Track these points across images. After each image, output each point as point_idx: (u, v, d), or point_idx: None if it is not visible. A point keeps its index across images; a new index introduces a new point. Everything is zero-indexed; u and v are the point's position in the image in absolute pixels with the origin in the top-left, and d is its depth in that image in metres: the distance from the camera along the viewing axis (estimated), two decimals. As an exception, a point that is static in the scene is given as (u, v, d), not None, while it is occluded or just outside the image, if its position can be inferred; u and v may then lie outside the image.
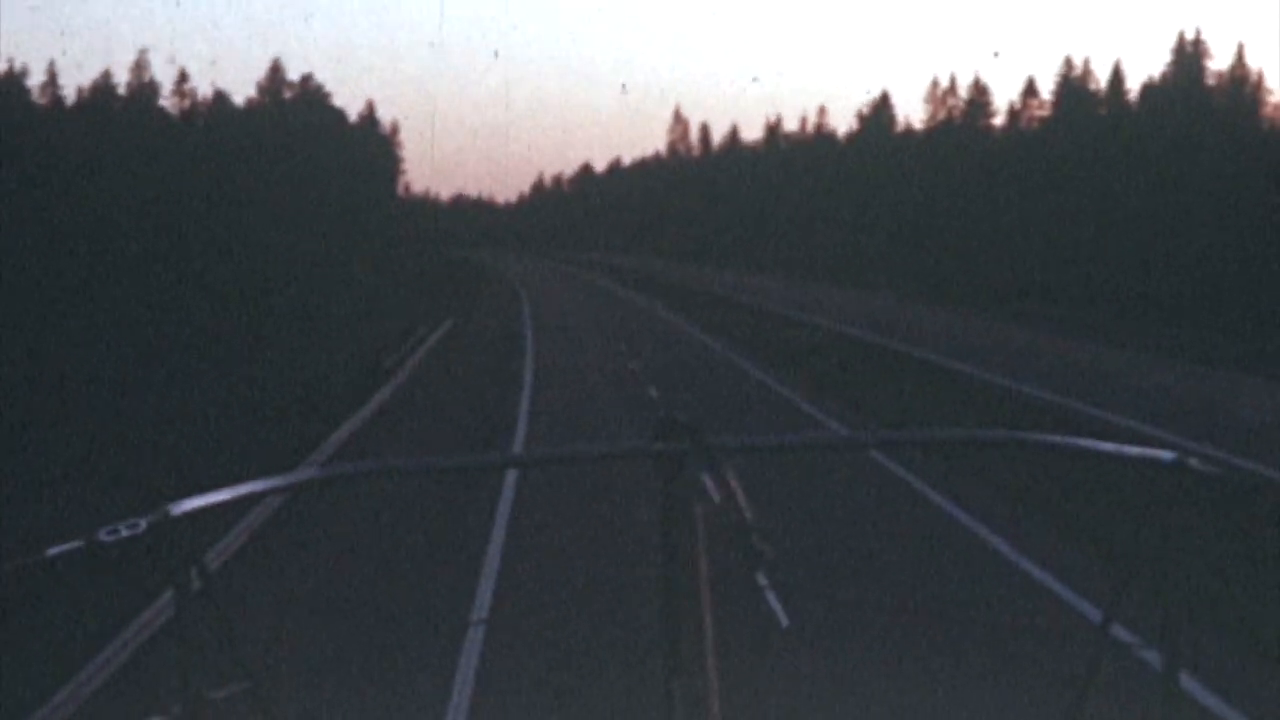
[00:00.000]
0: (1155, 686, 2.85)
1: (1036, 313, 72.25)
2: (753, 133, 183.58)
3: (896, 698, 12.94)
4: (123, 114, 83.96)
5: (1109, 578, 15.64)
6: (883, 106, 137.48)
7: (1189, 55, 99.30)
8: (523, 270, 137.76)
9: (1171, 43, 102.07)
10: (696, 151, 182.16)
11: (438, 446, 31.67)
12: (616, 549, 18.78)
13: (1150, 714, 2.87)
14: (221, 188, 73.28)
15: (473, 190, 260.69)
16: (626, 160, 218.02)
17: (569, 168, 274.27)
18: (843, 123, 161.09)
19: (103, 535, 2.47)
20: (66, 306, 50.20)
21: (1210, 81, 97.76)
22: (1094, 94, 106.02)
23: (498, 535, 20.40)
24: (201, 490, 2.64)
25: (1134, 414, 33.94)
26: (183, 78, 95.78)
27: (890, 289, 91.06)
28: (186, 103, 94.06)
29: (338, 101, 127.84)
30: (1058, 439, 2.94)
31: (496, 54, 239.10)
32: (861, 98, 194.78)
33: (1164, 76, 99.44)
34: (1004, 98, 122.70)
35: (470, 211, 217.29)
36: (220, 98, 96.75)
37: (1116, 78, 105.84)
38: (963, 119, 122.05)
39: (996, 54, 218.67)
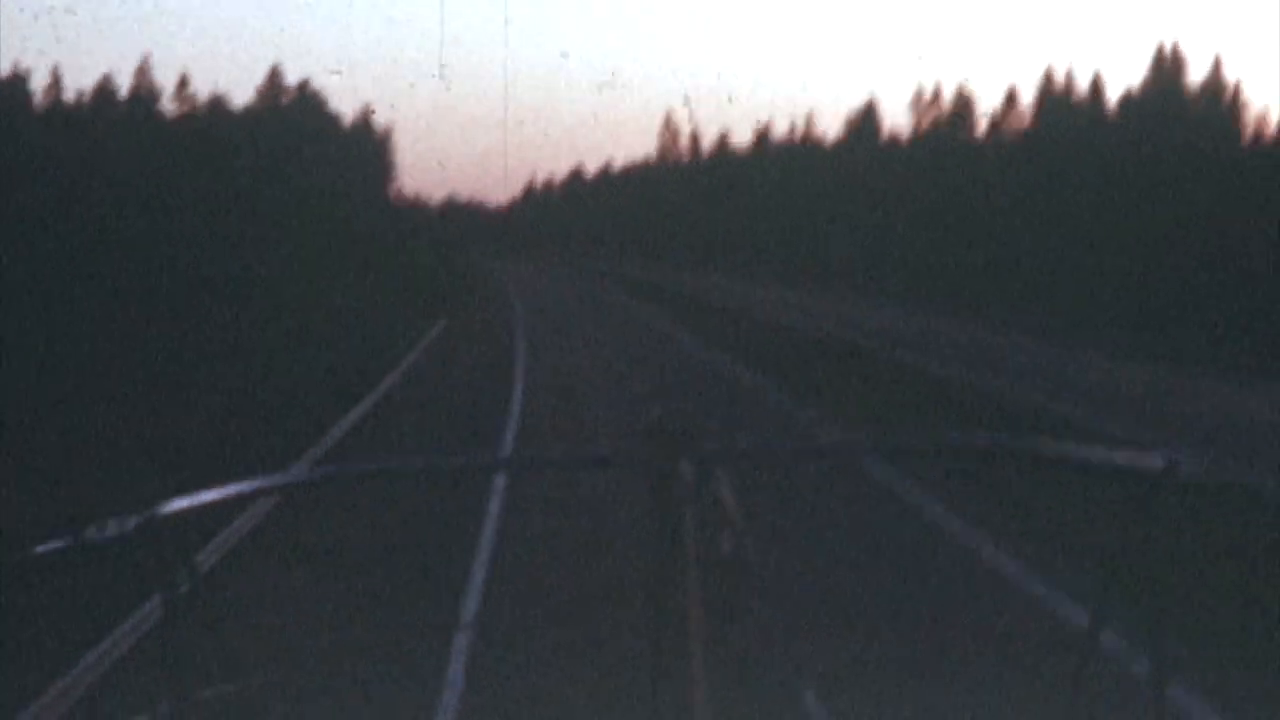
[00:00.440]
0: (1143, 695, 2.84)
1: (1013, 316, 72.32)
2: (742, 138, 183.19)
3: (874, 707, 12.85)
4: (122, 117, 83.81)
5: (1095, 584, 15.49)
6: (869, 114, 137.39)
7: (1167, 66, 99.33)
8: (516, 272, 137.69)
9: (1150, 54, 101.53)
10: (686, 156, 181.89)
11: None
12: (606, 552, 18.64)
13: None
14: (213, 189, 73.13)
15: (464, 193, 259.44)
16: (617, 164, 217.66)
17: (560, 171, 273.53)
18: (831, 129, 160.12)
19: (90, 533, 2.45)
20: (59, 306, 50.00)
21: (1189, 92, 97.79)
22: (1074, 104, 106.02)
23: (486, 535, 20.26)
24: (192, 489, 2.63)
25: (1092, 409, 34.30)
26: (183, 83, 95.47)
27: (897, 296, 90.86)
28: (185, 107, 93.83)
29: (335, 105, 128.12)
30: (1047, 446, 2.92)
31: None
32: (848, 105, 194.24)
33: (1143, 87, 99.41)
34: (987, 107, 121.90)
35: (462, 214, 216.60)
36: (217, 102, 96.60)
37: (1096, 88, 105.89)
38: (946, 128, 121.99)
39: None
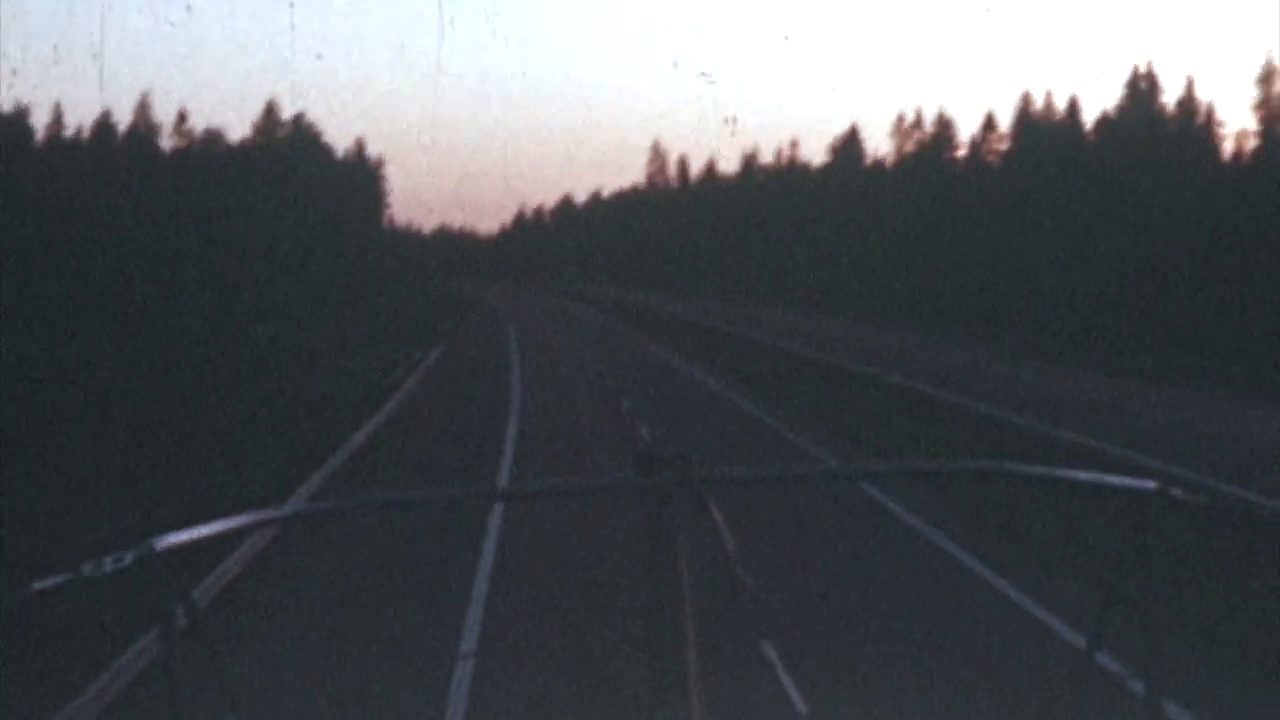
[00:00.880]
0: (1139, 714, 2.83)
1: (990, 334, 72.58)
2: (730, 165, 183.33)
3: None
4: (121, 151, 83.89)
5: (1093, 606, 15.39)
6: (852, 140, 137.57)
7: (1142, 88, 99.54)
8: (507, 301, 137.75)
9: (1125, 77, 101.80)
10: (674, 183, 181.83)
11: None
12: (603, 578, 18.57)
13: None
14: (210, 222, 73.19)
15: (455, 221, 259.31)
16: (606, 192, 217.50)
17: (549, 200, 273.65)
18: (816, 155, 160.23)
19: (87, 569, 2.43)
20: (58, 334, 50.06)
21: (1163, 113, 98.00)
22: (1051, 126, 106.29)
23: (485, 565, 20.20)
24: (188, 524, 2.61)
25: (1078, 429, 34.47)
26: (182, 118, 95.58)
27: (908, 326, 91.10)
28: (184, 141, 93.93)
29: (328, 136, 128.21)
30: (1043, 469, 2.91)
31: (562, 78, 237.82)
32: (832, 131, 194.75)
33: (1119, 109, 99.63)
34: (967, 131, 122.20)
35: (453, 243, 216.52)
36: (213, 136, 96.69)
37: (1073, 110, 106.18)
38: (927, 152, 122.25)
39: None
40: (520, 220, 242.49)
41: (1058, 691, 12.30)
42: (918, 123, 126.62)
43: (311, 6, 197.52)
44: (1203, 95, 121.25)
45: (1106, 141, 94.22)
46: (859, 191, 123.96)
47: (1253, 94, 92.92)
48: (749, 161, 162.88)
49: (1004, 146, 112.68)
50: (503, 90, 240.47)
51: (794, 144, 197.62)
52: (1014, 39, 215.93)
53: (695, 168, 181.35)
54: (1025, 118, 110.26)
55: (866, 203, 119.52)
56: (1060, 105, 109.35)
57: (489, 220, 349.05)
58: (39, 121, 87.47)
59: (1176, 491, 2.72)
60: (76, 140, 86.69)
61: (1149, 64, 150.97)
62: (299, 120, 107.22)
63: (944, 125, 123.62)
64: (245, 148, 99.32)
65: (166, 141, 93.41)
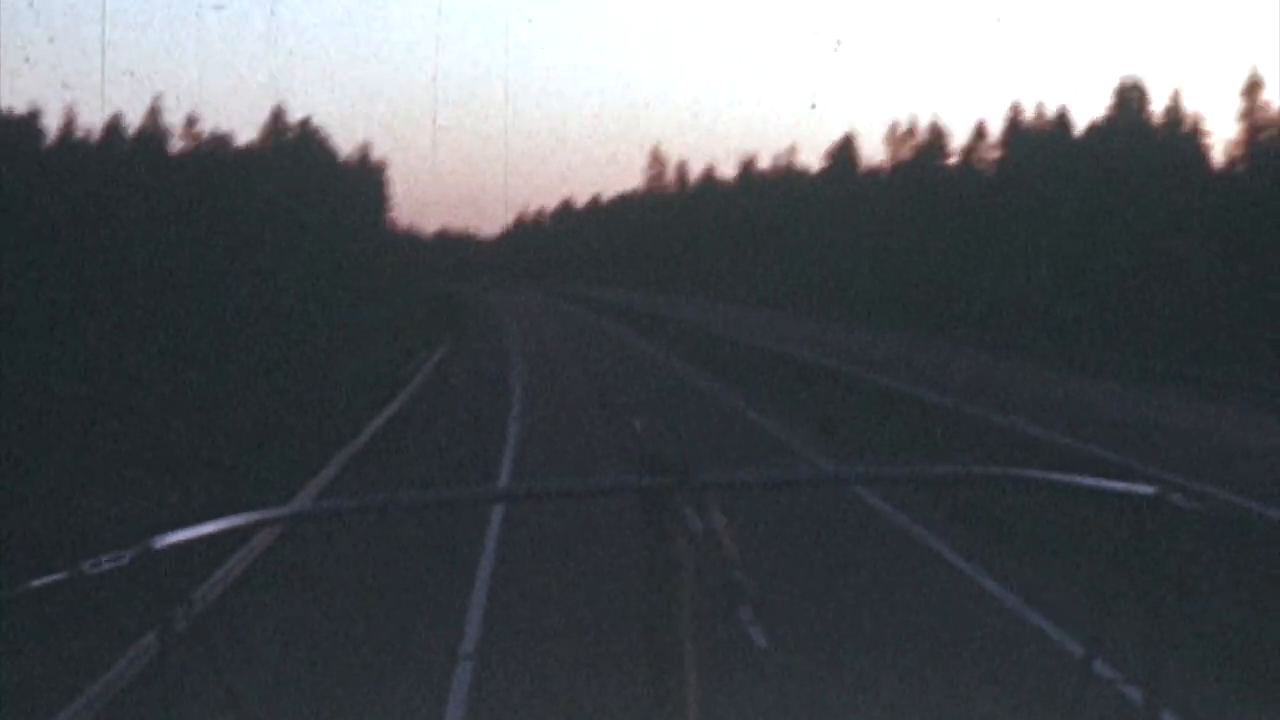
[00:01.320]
0: None
1: (980, 336, 72.71)
2: (728, 170, 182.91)
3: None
4: (131, 153, 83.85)
5: (1091, 613, 15.27)
6: (847, 147, 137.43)
7: (1130, 99, 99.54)
8: (510, 303, 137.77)
9: (1113, 87, 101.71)
10: (673, 188, 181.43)
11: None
12: (603, 580, 18.43)
13: None
14: (216, 223, 73.14)
15: (456, 224, 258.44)
16: (606, 196, 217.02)
17: (550, 203, 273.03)
18: (813, 161, 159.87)
19: (86, 567, 2.40)
20: (67, 330, 49.96)
21: (1151, 123, 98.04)
22: (1041, 134, 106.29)
23: (486, 561, 20.10)
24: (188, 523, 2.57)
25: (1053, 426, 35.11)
26: (190, 122, 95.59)
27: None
28: (193, 144, 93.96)
29: (334, 139, 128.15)
30: (1041, 474, 2.89)
31: (561, 91, 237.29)
32: (828, 137, 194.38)
33: (1108, 119, 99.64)
34: (960, 139, 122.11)
35: (454, 245, 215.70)
36: (219, 140, 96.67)
37: (1062, 120, 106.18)
38: (921, 159, 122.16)
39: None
40: (521, 223, 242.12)
41: (1054, 698, 12.23)
42: (911, 131, 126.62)
43: (313, 12, 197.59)
44: (1189, 106, 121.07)
45: (1095, 150, 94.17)
46: (854, 198, 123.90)
47: (1238, 104, 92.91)
48: (747, 167, 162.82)
49: (995, 155, 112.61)
50: (503, 94, 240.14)
51: (791, 150, 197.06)
52: (1006, 50, 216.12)
53: (694, 172, 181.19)
54: (1016, 127, 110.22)
55: (861, 209, 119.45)
56: (1050, 115, 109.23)
57: (490, 223, 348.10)
58: (50, 124, 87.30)
59: (1176, 497, 2.70)
60: (86, 142, 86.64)
61: (1136, 75, 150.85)
62: (305, 125, 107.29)
63: (937, 134, 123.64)
64: (253, 151, 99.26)
65: (175, 144, 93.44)
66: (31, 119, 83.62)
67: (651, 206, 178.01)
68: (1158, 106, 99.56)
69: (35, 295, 51.89)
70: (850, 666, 14.71)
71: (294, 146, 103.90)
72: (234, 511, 2.73)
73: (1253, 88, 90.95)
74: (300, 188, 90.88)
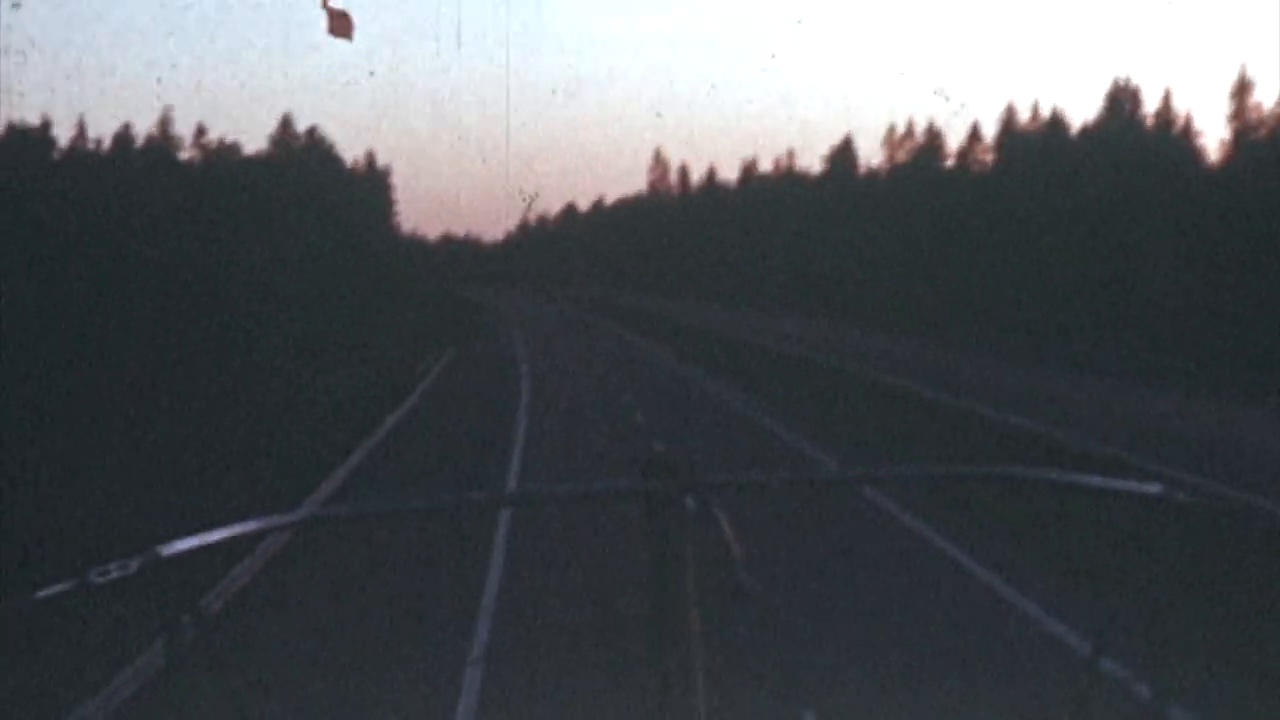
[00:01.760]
0: (1144, 718, 2.77)
1: (978, 337, 73.03)
2: (730, 173, 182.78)
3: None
4: (142, 162, 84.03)
5: (1098, 610, 15.17)
6: (846, 150, 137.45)
7: (1122, 100, 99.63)
8: (515, 305, 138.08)
9: (1105, 89, 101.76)
10: (676, 191, 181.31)
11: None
12: (610, 585, 18.31)
13: None
14: (225, 230, 73.20)
15: (460, 229, 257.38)
16: (609, 199, 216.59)
17: (554, 207, 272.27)
18: (814, 164, 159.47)
19: (93, 577, 2.34)
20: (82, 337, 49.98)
21: (1143, 125, 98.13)
22: (1035, 136, 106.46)
23: (496, 562, 20.08)
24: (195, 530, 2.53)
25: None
26: (200, 131, 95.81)
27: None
28: (201, 154, 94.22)
29: (341, 147, 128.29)
30: (1046, 473, 2.85)
31: (554, 92, 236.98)
32: (828, 141, 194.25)
33: (1100, 121, 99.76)
34: (956, 142, 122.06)
35: (459, 250, 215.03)
36: (227, 149, 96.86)
37: (1055, 121, 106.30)
38: (918, 162, 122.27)
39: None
40: (525, 227, 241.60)
41: (1060, 696, 12.13)
42: (909, 133, 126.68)
43: (317, 20, 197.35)
44: (1180, 107, 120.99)
45: (1089, 151, 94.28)
46: (854, 199, 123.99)
47: (1227, 106, 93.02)
48: (749, 170, 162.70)
49: (990, 157, 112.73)
50: (506, 98, 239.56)
51: (790, 154, 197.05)
52: (1000, 53, 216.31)
53: (696, 175, 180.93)
54: (1010, 129, 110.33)
55: (861, 210, 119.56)
56: (1044, 117, 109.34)
57: (494, 228, 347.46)
58: (62, 134, 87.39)
59: (1181, 495, 2.66)
60: (97, 152, 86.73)
61: (1128, 77, 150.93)
62: (312, 133, 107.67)
63: (934, 135, 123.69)
64: (262, 160, 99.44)
65: (185, 154, 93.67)
66: (43, 129, 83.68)
67: (655, 210, 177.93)
68: (1149, 108, 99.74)
69: (43, 302, 51.91)
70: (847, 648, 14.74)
71: (302, 155, 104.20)
72: (239, 519, 2.68)
73: (1242, 89, 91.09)
74: (308, 195, 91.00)
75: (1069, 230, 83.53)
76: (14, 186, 60.47)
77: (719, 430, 37.88)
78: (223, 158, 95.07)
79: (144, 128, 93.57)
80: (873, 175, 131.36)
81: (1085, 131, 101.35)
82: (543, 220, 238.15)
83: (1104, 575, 16.66)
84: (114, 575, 2.36)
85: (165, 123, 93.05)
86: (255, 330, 61.41)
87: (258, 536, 2.70)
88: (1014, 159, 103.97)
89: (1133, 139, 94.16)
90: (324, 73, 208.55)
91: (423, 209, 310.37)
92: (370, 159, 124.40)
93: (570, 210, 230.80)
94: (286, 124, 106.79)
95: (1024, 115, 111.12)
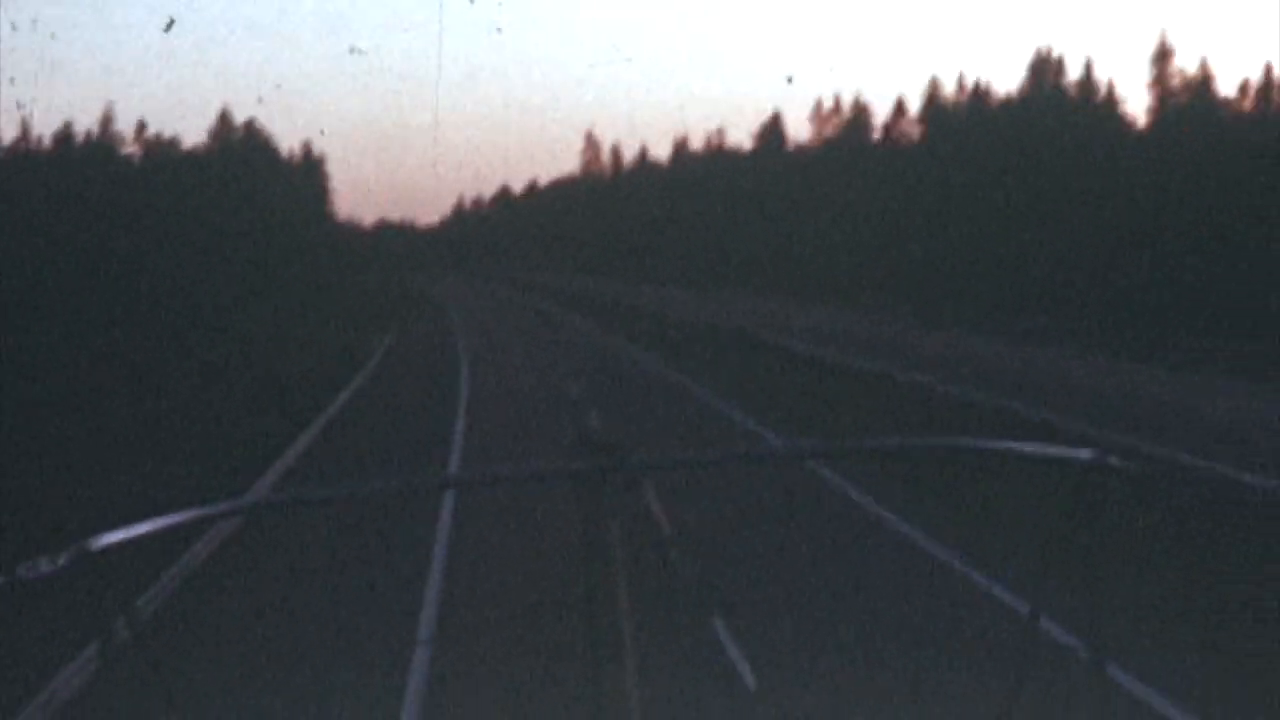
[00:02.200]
0: (1082, 677, 2.77)
1: (899, 306, 73.63)
2: (661, 151, 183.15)
3: (818, 695, 12.54)
4: (83, 159, 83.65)
5: (1034, 573, 15.18)
6: (774, 126, 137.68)
7: (1044, 71, 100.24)
8: (451, 288, 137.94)
9: (1028, 59, 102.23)
10: (609, 171, 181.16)
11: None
12: (545, 563, 18.16)
13: (1078, 703, 2.79)
14: (171, 221, 72.89)
15: (394, 214, 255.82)
16: (543, 181, 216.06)
17: (487, 190, 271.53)
18: (744, 140, 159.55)
19: (21, 571, 2.24)
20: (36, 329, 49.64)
21: (1066, 94, 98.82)
22: (959, 108, 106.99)
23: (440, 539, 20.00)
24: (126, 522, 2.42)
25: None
26: (141, 127, 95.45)
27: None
28: (143, 149, 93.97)
29: (277, 138, 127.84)
30: (981, 442, 2.82)
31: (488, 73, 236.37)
32: (757, 117, 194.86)
33: (1023, 91, 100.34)
34: (882, 116, 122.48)
35: (394, 235, 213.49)
36: (161, 143, 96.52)
37: (979, 93, 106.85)
38: (845, 136, 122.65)
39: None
40: (460, 211, 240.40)
41: (999, 657, 12.16)
42: (836, 108, 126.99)
43: (249, 12, 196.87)
44: (1101, 75, 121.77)
45: (1013, 120, 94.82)
46: (782, 175, 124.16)
47: (1148, 72, 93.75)
48: (679, 148, 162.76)
49: (916, 130, 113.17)
50: (436, 81, 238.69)
51: (720, 130, 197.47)
52: (924, 25, 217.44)
53: (628, 155, 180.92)
54: (934, 101, 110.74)
55: (791, 185, 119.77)
56: (968, 88, 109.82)
57: (428, 212, 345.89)
58: (5, 134, 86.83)
59: (1113, 459, 2.63)
60: (39, 149, 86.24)
61: (1049, 47, 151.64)
62: (250, 126, 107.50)
63: (860, 110, 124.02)
64: (201, 154, 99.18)
65: (126, 150, 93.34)
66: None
67: (588, 190, 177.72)
68: (1072, 77, 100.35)
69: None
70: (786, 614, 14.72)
71: (240, 147, 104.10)
72: (181, 508, 2.59)
73: (1163, 55, 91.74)
74: (247, 186, 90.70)
75: (994, 200, 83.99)
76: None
77: (636, 383, 42.00)
78: (164, 152, 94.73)
79: (83, 124, 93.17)
80: (801, 151, 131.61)
81: (1009, 102, 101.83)
82: (477, 203, 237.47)
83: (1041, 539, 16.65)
84: (43, 570, 2.25)
85: (106, 119, 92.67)
86: (195, 319, 61.28)
87: (191, 526, 2.61)
88: (939, 132, 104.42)
89: (1056, 107, 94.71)
90: (260, 69, 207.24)
91: (357, 196, 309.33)
92: (306, 148, 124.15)
93: (504, 193, 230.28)
94: (224, 117, 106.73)
95: (949, 88, 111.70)
